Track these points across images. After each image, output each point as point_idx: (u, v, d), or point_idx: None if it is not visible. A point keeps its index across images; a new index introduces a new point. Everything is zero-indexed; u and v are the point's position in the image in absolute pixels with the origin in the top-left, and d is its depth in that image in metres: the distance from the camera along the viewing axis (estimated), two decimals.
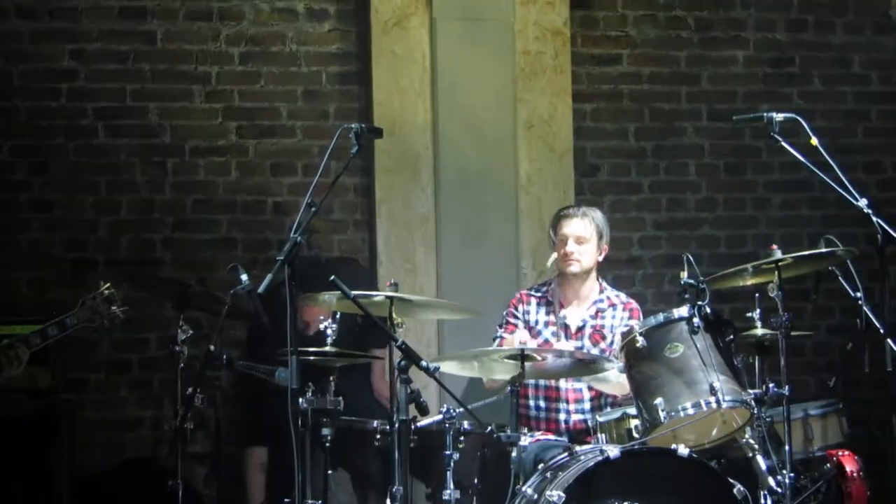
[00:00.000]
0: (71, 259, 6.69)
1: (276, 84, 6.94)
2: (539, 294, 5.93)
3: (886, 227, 4.73)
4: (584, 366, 5.49)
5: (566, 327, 5.80)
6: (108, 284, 4.80)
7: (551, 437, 5.57)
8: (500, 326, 5.90)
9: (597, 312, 5.83)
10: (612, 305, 5.85)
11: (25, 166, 6.69)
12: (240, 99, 6.90)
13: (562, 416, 5.76)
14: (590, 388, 5.74)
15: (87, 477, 6.20)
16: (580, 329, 5.80)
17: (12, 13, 6.68)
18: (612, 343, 5.73)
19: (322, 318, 5.73)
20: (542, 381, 5.66)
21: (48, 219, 6.70)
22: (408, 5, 6.88)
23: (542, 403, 5.78)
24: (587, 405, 5.76)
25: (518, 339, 5.52)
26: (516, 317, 5.88)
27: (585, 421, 5.71)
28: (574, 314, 5.82)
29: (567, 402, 5.77)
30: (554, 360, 5.34)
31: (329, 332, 5.23)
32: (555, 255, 5.68)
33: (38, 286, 6.57)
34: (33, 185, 6.70)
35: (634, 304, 5.88)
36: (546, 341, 5.78)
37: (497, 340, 5.82)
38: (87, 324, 4.70)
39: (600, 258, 5.83)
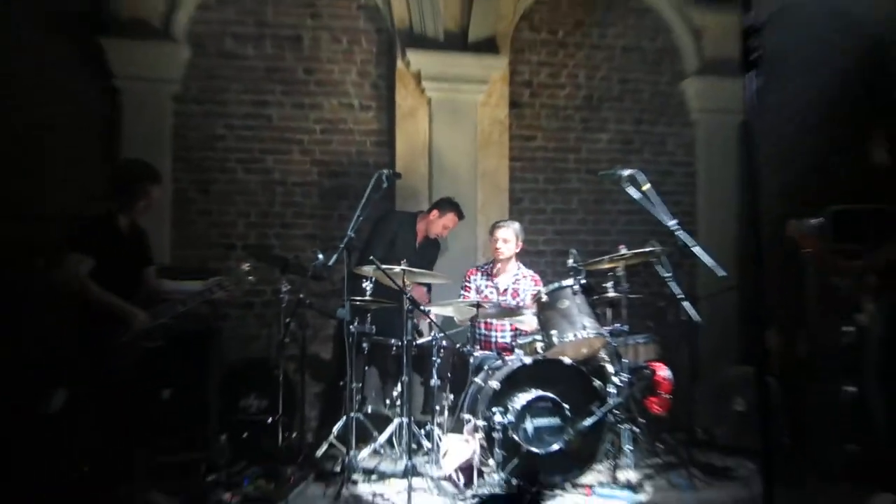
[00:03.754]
0: (221, 243, 6.66)
1: (340, 146, 6.91)
2: (483, 269, 6.00)
3: (683, 238, 4.85)
4: (511, 312, 5.56)
5: (497, 288, 5.87)
6: (248, 264, 4.76)
7: (488, 352, 5.62)
8: (462, 289, 5.96)
9: (515, 280, 5.90)
10: (525, 277, 5.92)
11: (195, 189, 6.67)
12: (319, 154, 6.88)
13: (493, 339, 5.83)
14: (511, 324, 5.80)
15: (228, 370, 6.14)
16: (506, 289, 5.87)
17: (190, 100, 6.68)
18: (523, 299, 5.80)
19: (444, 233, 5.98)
20: (482, 319, 5.68)
21: (208, 220, 6.67)
22: (417, 105, 6.87)
23: (483, 331, 5.85)
24: (507, 333, 5.84)
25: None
26: (468, 283, 5.95)
27: (507, 342, 5.79)
28: (502, 281, 5.90)
29: (496, 330, 5.85)
30: (494, 308, 5.42)
31: (369, 289, 5.24)
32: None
33: (201, 260, 6.54)
34: (199, 200, 6.68)
35: (538, 277, 5.95)
36: (486, 296, 5.84)
37: (461, 297, 5.87)
38: (234, 287, 4.68)
39: (517, 250, 5.89)
